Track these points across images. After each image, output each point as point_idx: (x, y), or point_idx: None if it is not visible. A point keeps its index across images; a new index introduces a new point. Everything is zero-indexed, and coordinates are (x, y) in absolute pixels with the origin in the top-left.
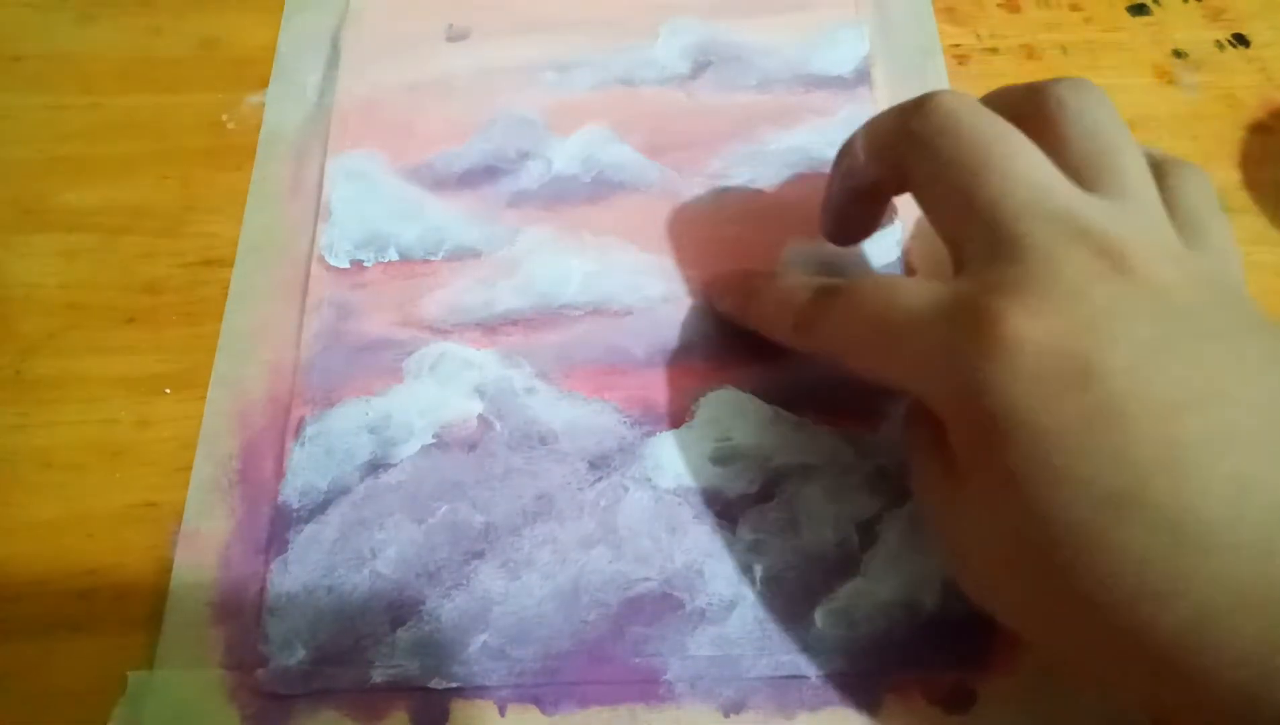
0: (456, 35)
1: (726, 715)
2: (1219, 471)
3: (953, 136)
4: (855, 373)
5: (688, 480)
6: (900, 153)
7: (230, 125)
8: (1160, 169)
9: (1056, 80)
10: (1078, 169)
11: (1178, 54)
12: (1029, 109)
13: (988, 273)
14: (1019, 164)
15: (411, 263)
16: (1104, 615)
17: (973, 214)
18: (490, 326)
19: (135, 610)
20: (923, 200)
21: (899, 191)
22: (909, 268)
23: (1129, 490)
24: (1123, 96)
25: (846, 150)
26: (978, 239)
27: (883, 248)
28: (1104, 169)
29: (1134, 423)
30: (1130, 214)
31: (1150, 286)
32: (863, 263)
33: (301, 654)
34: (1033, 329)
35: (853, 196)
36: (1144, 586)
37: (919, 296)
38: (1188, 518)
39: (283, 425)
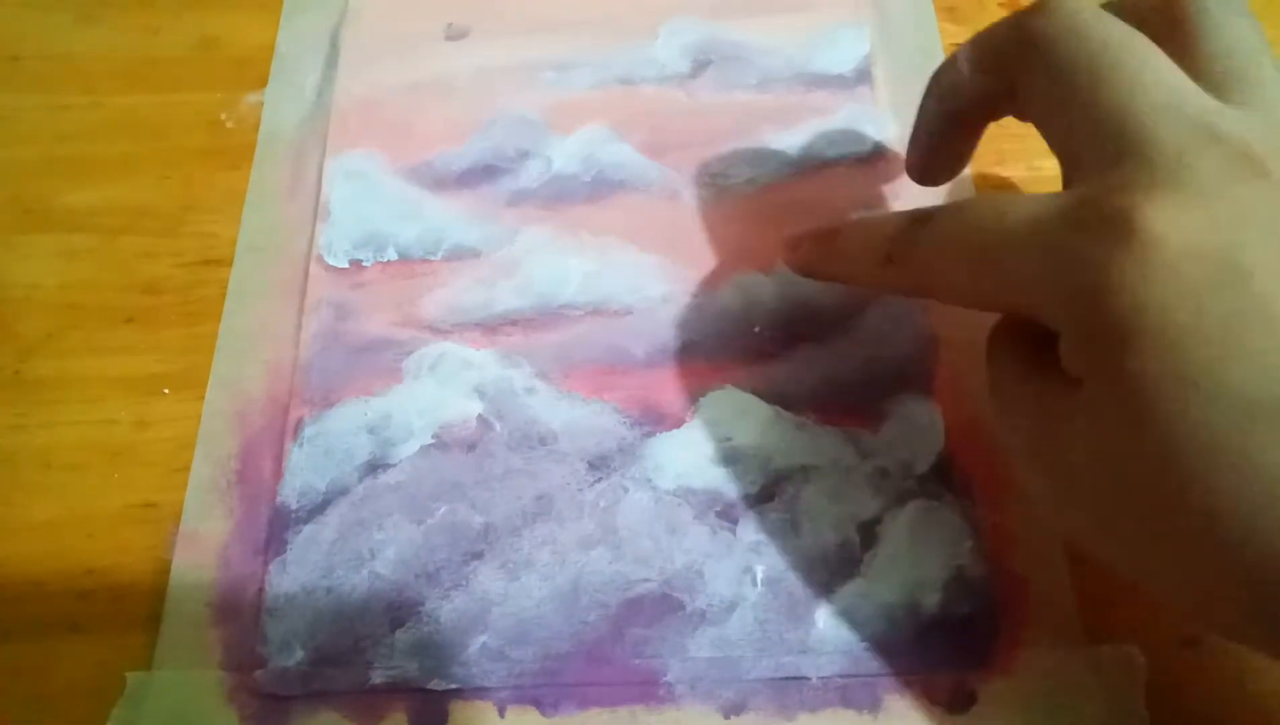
0: (456, 34)
1: (727, 717)
2: None
3: (1078, 38)
4: (946, 301)
5: (688, 481)
6: (1014, 59)
7: (229, 125)
8: None
9: None
10: (1213, 78)
11: None
12: (1162, 15)
13: (1115, 175)
14: (1149, 68)
15: (410, 262)
16: (1220, 537)
17: (1098, 118)
18: (490, 326)
19: (134, 611)
20: (1035, 110)
21: (1004, 110)
22: None
23: (1273, 399)
24: None
25: (947, 66)
26: (1102, 144)
27: None
28: (1241, 79)
29: None
30: (1268, 124)
31: None
32: None
33: (300, 655)
34: (1171, 225)
35: (950, 121)
36: (1276, 505)
37: (1032, 205)
38: None
39: (281, 425)
